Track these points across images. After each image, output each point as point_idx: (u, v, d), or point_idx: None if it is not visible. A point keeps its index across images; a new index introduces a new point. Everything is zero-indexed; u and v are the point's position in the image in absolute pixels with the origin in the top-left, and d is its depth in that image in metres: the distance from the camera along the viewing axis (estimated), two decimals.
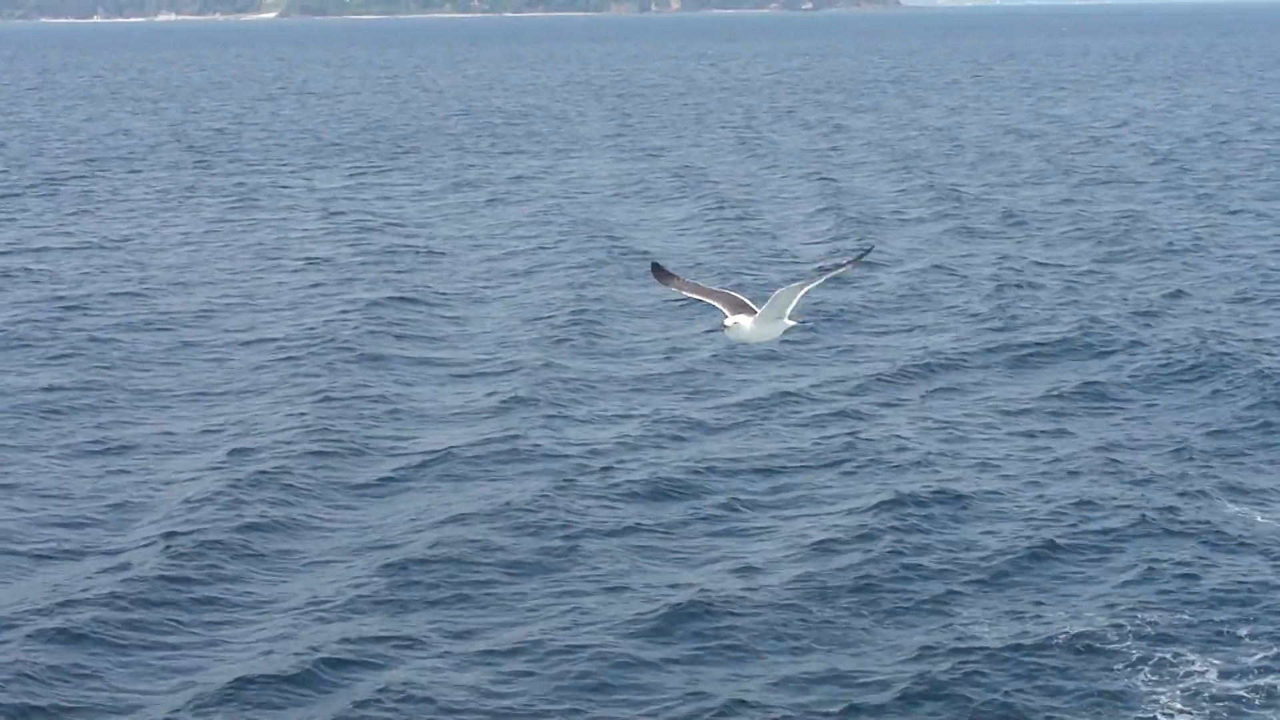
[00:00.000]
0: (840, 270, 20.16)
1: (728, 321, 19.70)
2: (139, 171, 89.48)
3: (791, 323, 19.75)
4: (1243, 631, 24.58)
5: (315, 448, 34.69)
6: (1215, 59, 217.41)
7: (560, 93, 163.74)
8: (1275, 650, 23.88)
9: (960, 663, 23.66)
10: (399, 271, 56.02)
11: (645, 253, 58.54)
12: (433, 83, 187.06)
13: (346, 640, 24.93)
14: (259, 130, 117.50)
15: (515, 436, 35.45)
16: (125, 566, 28.01)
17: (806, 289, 19.33)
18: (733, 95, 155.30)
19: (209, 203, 75.43)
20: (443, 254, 59.97)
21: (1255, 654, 23.64)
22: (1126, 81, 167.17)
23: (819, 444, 34.73)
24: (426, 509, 30.88)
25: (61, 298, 50.96)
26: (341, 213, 71.38)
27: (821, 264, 15.44)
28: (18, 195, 78.15)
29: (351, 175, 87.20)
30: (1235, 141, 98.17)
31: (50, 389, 39.87)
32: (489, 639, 25.10)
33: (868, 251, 21.24)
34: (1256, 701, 22.24)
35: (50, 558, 28.82)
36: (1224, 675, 23.06)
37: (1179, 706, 22.26)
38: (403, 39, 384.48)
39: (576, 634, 25.11)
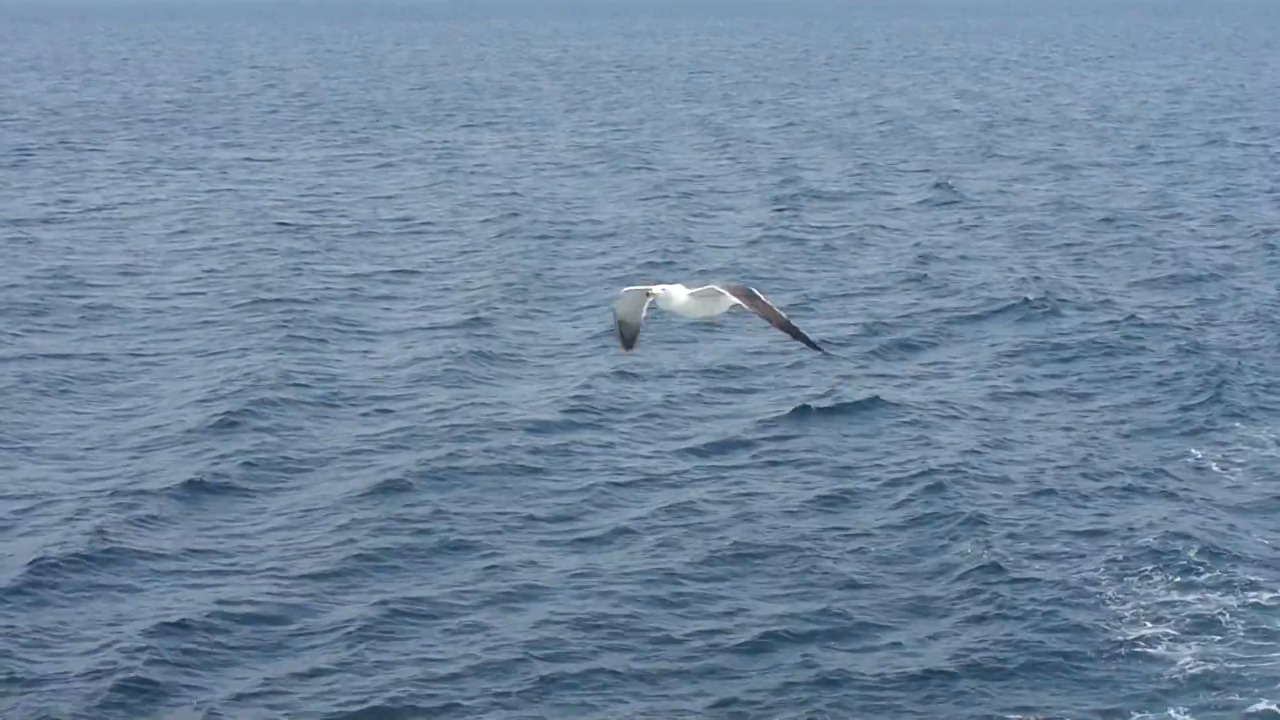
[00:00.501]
0: (787, 334, 17.59)
1: (655, 289, 17.95)
2: (105, 144, 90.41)
3: (737, 300, 17.82)
4: (1212, 575, 26.70)
5: (296, 408, 36.34)
6: (1152, 39, 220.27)
7: (512, 67, 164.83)
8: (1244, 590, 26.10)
9: (955, 607, 25.72)
10: (377, 243, 57.62)
11: (601, 223, 60.33)
12: (382, 58, 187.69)
13: (327, 585, 26.62)
14: (217, 103, 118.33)
15: (495, 395, 37.26)
16: (131, 505, 29.73)
17: (740, 304, 17.38)
18: (687, 73, 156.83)
19: (177, 175, 76.63)
20: (414, 224, 61.52)
21: (1230, 598, 25.77)
22: (1069, 60, 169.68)
23: (778, 403, 36.57)
24: (408, 463, 32.38)
25: (48, 268, 52.24)
26: (312, 183, 72.81)
27: (788, 319, 14.74)
28: None
29: (317, 148, 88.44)
30: (1178, 118, 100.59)
31: (54, 356, 41.40)
32: (493, 586, 26.68)
33: (820, 351, 19.42)
34: (1228, 627, 24.54)
35: (58, 501, 30.43)
36: (1197, 613, 25.22)
37: (1159, 638, 24.37)
38: (342, 15, 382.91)
39: (587, 580, 26.87)
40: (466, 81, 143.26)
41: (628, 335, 18.54)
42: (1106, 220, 60.53)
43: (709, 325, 33.41)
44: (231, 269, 52.26)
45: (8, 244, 56.59)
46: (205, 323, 45.00)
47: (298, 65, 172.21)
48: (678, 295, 17.67)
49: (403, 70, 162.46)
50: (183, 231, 59.75)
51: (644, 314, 18.21)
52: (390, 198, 68.85)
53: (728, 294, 17.47)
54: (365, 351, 41.65)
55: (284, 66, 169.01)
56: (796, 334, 17.19)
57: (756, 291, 17.26)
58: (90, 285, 49.67)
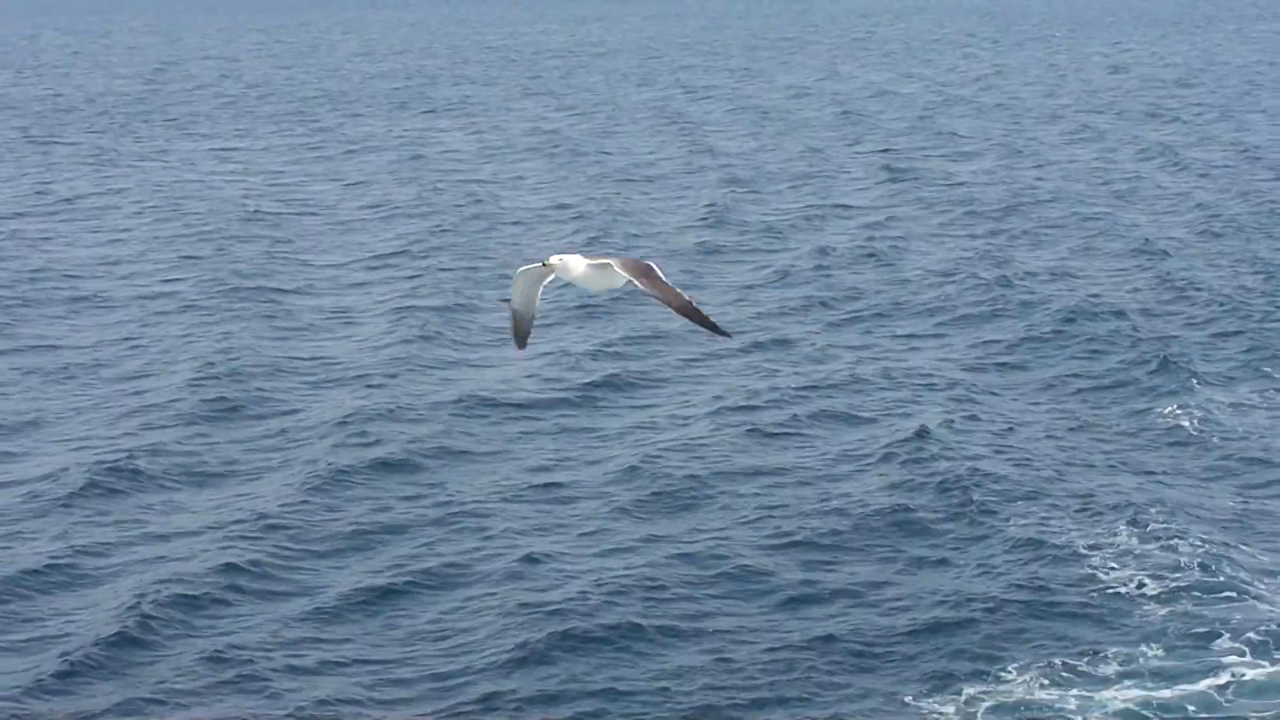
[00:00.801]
0: (686, 318, 16.57)
1: (553, 260, 17.03)
2: (69, 137, 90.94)
3: (629, 278, 16.96)
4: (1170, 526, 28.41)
5: (285, 389, 37.88)
6: (1097, 16, 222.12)
7: (463, 54, 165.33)
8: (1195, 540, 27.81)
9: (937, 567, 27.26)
10: (348, 229, 58.81)
11: (569, 207, 61.59)
12: (333, 47, 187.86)
13: (330, 553, 28.18)
14: (175, 95, 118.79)
15: (476, 372, 38.67)
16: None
17: (638, 286, 16.50)
18: (639, 58, 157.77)
19: (143, 166, 77.41)
20: (383, 210, 62.66)
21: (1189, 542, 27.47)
22: (1015, 40, 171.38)
23: (757, 376, 38.07)
24: (398, 436, 33.92)
25: (25, 259, 53.37)
26: (278, 171, 73.87)
27: (688, 301, 14.92)
28: None
29: (280, 137, 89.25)
30: (1123, 96, 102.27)
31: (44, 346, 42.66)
32: (491, 551, 28.14)
33: (725, 335, 18.66)
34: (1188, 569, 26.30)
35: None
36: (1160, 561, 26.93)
37: (1126, 584, 26.01)
38: (274, 4, 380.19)
39: (582, 544, 28.39)
40: (420, 69, 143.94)
41: (523, 328, 17.59)
42: (1058, 197, 62.07)
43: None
44: (207, 257, 53.26)
45: None
46: (185, 308, 46.07)
47: (250, 56, 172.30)
48: (576, 266, 16.96)
49: (356, 59, 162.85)
50: (154, 221, 60.71)
51: (539, 297, 17.57)
52: (357, 184, 69.95)
53: (622, 271, 16.64)
54: (347, 335, 42.85)
55: (236, 57, 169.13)
56: (697, 316, 16.13)
57: (655, 269, 16.52)
58: (70, 276, 50.65)
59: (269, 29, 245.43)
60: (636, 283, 16.24)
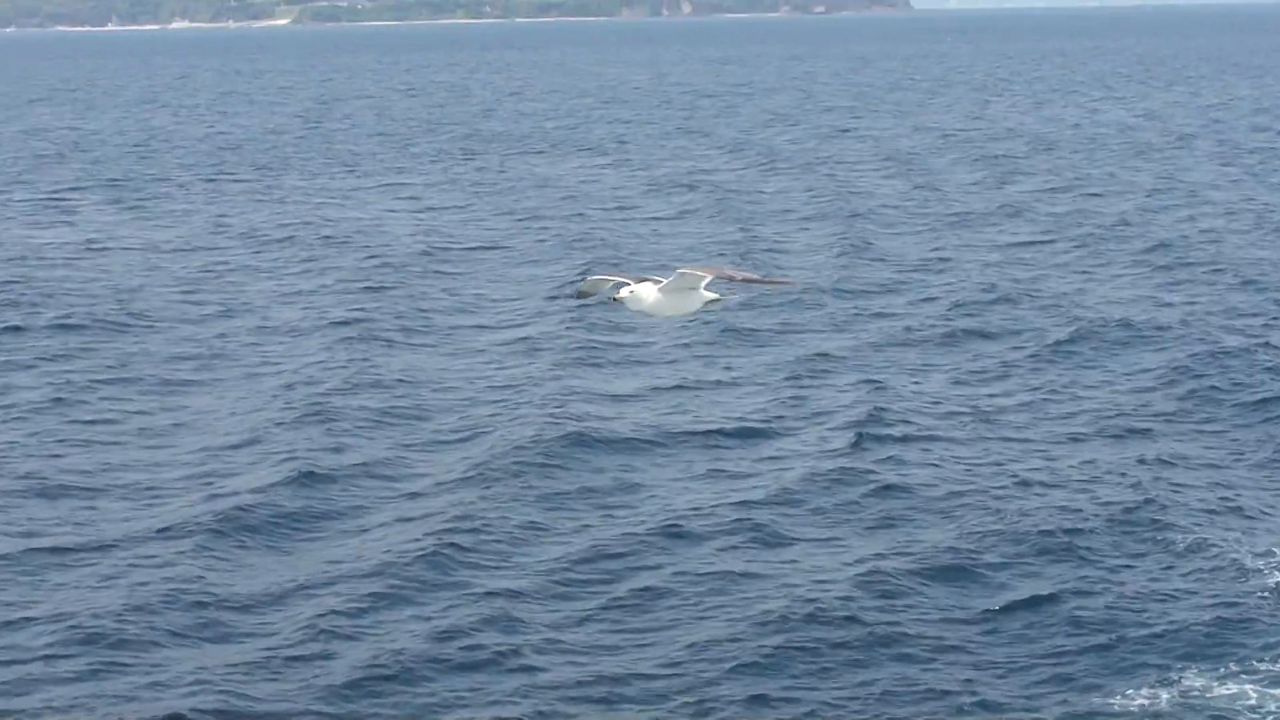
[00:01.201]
0: (758, 283, 18.06)
1: (622, 292, 17.68)
2: (238, 173, 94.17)
3: (711, 295, 17.84)
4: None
5: (441, 408, 40.19)
6: (1242, 57, 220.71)
7: (611, 94, 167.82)
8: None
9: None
10: (518, 261, 60.91)
11: (730, 241, 63.19)
12: (483, 86, 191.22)
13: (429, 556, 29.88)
14: (336, 133, 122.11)
15: (562, 395, 40.65)
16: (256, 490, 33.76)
17: (710, 277, 17.57)
18: (797, 96, 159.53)
19: (316, 199, 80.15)
20: (552, 241, 64.66)
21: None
22: (1166, 82, 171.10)
23: (842, 405, 39.49)
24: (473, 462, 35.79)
25: (201, 288, 56.16)
26: (443, 207, 76.33)
27: (747, 272, 15.56)
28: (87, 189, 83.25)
29: (439, 173, 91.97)
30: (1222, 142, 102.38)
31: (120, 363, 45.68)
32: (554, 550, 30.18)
33: (791, 285, 18.55)
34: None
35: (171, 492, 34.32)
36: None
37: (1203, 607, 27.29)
38: (418, 45, 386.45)
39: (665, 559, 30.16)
40: (573, 109, 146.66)
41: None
42: (1215, 237, 62.61)
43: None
44: (389, 288, 55.30)
45: (156, 269, 60.37)
46: (370, 337, 47.89)
47: (401, 96, 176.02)
48: (648, 295, 17.52)
49: (508, 99, 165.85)
50: (333, 254, 63.08)
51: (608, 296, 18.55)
52: (524, 219, 72.01)
53: (701, 273, 17.36)
54: (530, 362, 44.61)
55: (388, 97, 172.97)
56: (771, 281, 18.58)
57: (730, 271, 17.51)
58: (260, 306, 52.98)
59: (415, 68, 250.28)
60: (719, 277, 17.28)
